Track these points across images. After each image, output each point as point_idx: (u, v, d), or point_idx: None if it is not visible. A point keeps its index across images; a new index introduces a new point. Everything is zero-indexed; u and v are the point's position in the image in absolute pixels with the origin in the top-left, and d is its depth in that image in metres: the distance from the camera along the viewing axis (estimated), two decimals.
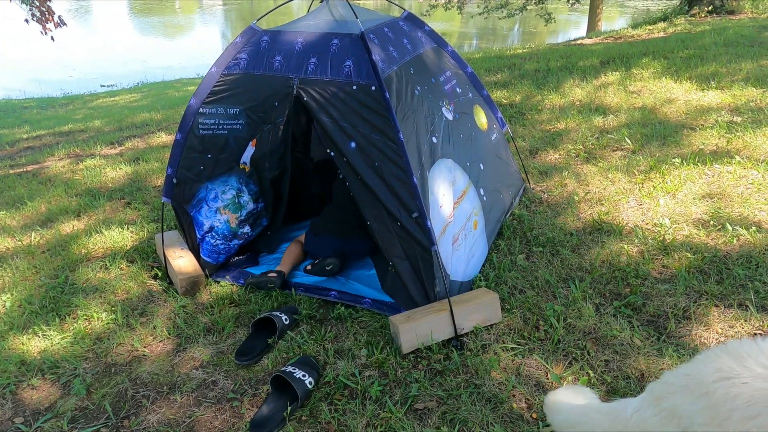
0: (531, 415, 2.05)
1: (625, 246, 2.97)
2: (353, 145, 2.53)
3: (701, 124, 4.45)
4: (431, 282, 2.50)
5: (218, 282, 2.99)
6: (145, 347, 2.57)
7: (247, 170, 2.92)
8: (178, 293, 2.91)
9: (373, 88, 2.51)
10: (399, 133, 2.44)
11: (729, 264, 2.74)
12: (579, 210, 3.43)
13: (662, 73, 5.86)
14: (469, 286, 2.73)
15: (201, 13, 30.57)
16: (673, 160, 3.84)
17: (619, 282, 2.72)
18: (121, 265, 3.19)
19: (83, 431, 2.13)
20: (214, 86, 2.80)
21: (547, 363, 2.27)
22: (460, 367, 2.29)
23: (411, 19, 3.24)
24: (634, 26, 10.54)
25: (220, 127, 2.83)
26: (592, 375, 2.18)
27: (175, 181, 2.91)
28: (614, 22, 20.69)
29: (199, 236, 2.96)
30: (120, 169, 4.79)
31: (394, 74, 2.63)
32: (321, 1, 3.06)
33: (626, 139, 4.30)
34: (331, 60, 2.63)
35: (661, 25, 9.55)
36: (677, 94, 5.20)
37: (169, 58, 17.40)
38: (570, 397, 1.63)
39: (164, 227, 3.19)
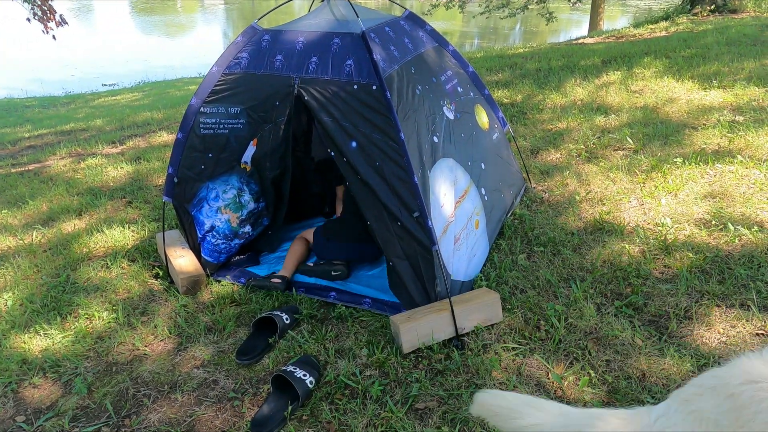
0: None
1: (627, 246, 2.97)
2: (354, 144, 2.53)
3: (703, 124, 4.45)
4: (432, 282, 2.50)
5: (219, 281, 3.00)
6: (146, 346, 2.58)
7: (248, 169, 2.92)
8: (179, 292, 2.91)
9: (374, 87, 2.51)
10: (400, 132, 2.44)
11: (731, 264, 2.73)
12: (580, 210, 3.42)
13: (664, 73, 5.85)
14: (470, 285, 2.73)
15: (202, 12, 30.59)
16: (675, 160, 3.83)
17: (620, 282, 2.72)
18: (123, 264, 3.19)
19: (84, 430, 2.13)
20: (215, 85, 2.79)
21: (548, 363, 2.27)
22: (460, 366, 2.29)
23: (412, 18, 3.24)
24: (636, 25, 10.53)
25: (221, 126, 2.83)
26: (593, 375, 2.18)
27: (176, 180, 2.91)
28: (616, 21, 20.66)
29: (200, 235, 2.97)
30: (121, 168, 4.79)
31: (395, 73, 2.62)
32: (322, 1, 3.06)
33: (628, 138, 4.29)
34: (332, 59, 2.62)
35: (663, 24, 9.54)
36: (679, 94, 5.19)
37: (170, 57, 17.41)
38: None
39: (165, 226, 3.19)
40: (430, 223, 2.43)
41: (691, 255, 2.82)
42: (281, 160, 2.87)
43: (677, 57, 6.40)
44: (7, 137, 7.13)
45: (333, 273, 2.93)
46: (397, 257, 2.54)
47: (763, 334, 2.30)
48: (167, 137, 5.79)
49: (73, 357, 2.51)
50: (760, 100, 4.76)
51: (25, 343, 2.61)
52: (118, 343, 2.59)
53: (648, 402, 2.03)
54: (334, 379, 2.28)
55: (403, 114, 2.52)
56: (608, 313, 2.52)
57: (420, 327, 2.37)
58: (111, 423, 2.16)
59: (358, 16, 2.70)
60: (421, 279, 2.52)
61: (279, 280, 2.87)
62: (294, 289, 2.87)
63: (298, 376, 2.20)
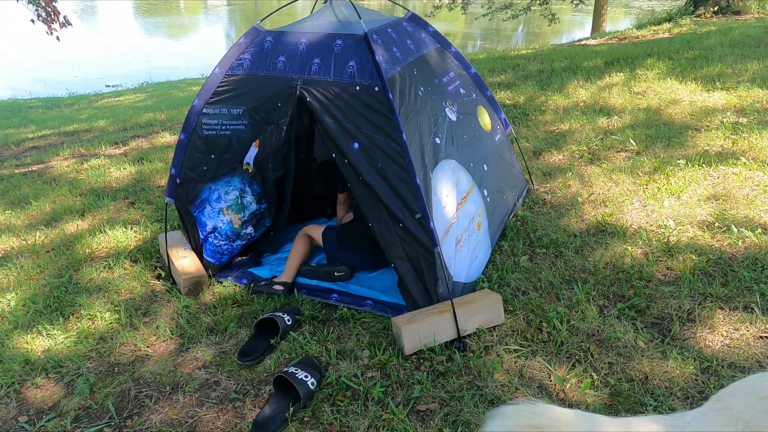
0: None
1: (629, 247, 2.96)
2: (356, 145, 2.53)
3: (706, 125, 4.43)
4: (434, 283, 2.50)
5: (221, 282, 3.00)
6: (148, 347, 2.58)
7: (250, 171, 2.92)
8: (181, 293, 2.92)
9: (377, 88, 2.51)
10: (402, 133, 2.44)
11: (734, 266, 2.72)
12: (583, 211, 3.42)
13: (667, 74, 5.84)
14: (472, 287, 2.73)
15: (205, 13, 30.66)
16: (678, 162, 3.82)
17: (622, 284, 2.71)
18: (125, 265, 3.20)
19: (86, 430, 2.14)
20: (218, 87, 2.80)
21: (550, 365, 2.26)
22: (462, 368, 2.29)
23: (414, 19, 3.24)
24: (639, 27, 10.50)
25: (223, 127, 2.83)
26: (595, 377, 2.17)
27: (178, 181, 2.91)
28: (619, 22, 20.62)
29: (202, 236, 2.97)
30: (124, 169, 4.80)
31: (397, 75, 2.62)
32: (325, 2, 3.06)
33: (630, 140, 4.28)
34: (334, 61, 2.63)
35: (666, 25, 9.52)
36: (682, 95, 5.18)
37: (173, 58, 17.47)
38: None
39: (168, 227, 3.19)
40: (432, 224, 2.42)
41: (694, 257, 2.81)
42: (283, 162, 2.87)
43: (680, 58, 6.39)
44: (11, 138, 7.16)
45: (336, 274, 2.93)
46: (398, 259, 2.53)
47: (766, 336, 2.29)
48: (170, 138, 5.80)
49: (75, 357, 2.51)
50: (764, 102, 4.75)
51: (27, 343, 2.62)
52: (120, 343, 2.60)
53: (650, 405, 2.03)
54: (336, 381, 2.28)
55: (405, 115, 2.52)
56: (611, 315, 2.51)
57: (422, 329, 2.37)
58: (113, 424, 2.16)
59: (360, 18, 2.70)
60: (423, 280, 2.52)
61: (281, 287, 2.86)
62: (296, 291, 2.87)
63: (299, 377, 2.20)
